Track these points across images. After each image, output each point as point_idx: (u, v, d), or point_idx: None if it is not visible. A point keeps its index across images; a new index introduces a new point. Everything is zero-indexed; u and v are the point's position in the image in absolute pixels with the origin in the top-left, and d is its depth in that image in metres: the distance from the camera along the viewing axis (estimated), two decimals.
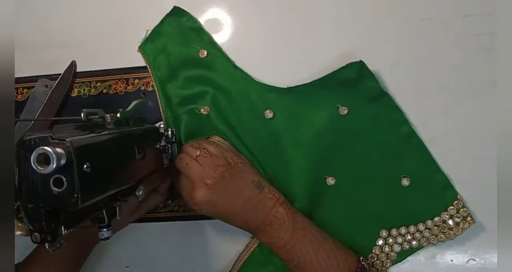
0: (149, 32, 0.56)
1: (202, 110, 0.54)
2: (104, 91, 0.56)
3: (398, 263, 0.52)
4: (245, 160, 0.52)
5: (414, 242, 0.51)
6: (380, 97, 0.52)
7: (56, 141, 0.29)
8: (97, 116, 0.38)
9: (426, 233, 0.50)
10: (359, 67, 0.51)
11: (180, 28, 0.55)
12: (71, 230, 0.33)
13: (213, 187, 0.46)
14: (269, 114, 0.53)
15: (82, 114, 0.35)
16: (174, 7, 0.55)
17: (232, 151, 0.52)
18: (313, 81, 0.52)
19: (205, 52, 0.54)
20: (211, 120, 0.54)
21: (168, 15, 0.55)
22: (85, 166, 0.30)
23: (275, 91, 0.53)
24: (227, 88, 0.54)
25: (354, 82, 0.51)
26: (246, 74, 0.54)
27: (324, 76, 0.52)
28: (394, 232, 0.51)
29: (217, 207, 0.47)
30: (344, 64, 0.51)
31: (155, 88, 0.55)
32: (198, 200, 0.46)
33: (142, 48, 0.56)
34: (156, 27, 0.55)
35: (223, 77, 0.54)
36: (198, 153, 0.48)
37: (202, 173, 0.47)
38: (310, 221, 0.49)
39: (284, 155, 0.53)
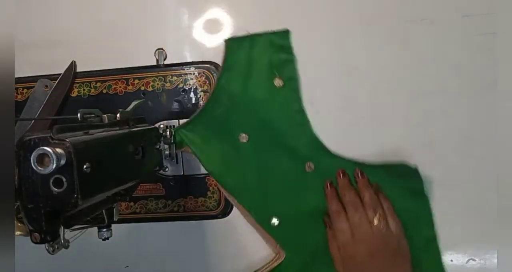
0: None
1: (240, 138, 0.53)
2: (104, 91, 0.56)
3: None
4: (409, 251, 0.47)
5: None
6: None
7: (56, 141, 0.30)
8: (93, 116, 0.38)
9: None
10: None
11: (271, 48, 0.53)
12: (71, 230, 0.33)
13: (375, 257, 0.45)
14: (308, 168, 0.52)
15: (78, 114, 0.35)
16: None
17: None
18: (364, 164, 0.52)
19: (282, 83, 0.52)
20: (247, 150, 0.52)
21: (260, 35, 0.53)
22: (85, 166, 0.30)
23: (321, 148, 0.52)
24: (276, 126, 0.52)
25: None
26: (305, 119, 0.52)
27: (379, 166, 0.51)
28: None
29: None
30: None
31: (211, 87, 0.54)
32: (354, 254, 0.46)
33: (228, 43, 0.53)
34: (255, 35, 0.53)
35: (280, 113, 0.52)
36: (376, 220, 0.46)
37: (370, 239, 0.45)
38: None
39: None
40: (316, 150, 0.52)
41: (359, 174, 0.51)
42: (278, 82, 0.52)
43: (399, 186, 0.51)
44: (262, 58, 0.53)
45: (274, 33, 0.52)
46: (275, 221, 0.51)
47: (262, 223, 0.51)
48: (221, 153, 0.52)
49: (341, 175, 0.51)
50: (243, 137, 0.52)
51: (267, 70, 0.52)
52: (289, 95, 0.52)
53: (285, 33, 0.52)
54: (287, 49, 0.53)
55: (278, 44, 0.53)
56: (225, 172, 0.52)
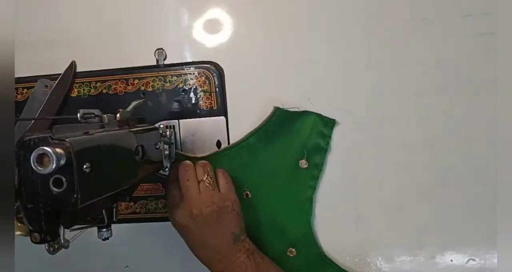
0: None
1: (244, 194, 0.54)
2: (104, 91, 0.56)
3: (397, 263, 0.52)
4: (240, 212, 0.51)
5: None
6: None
7: (56, 141, 0.29)
8: (93, 116, 0.38)
9: None
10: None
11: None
12: (71, 230, 0.33)
13: (194, 218, 0.47)
14: (289, 252, 0.54)
15: (78, 114, 0.35)
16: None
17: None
18: None
19: (306, 165, 0.53)
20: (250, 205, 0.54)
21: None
22: (84, 166, 0.30)
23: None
24: (280, 201, 0.54)
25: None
26: (310, 210, 0.53)
27: None
28: None
29: (189, 235, 0.48)
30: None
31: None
32: (175, 219, 0.48)
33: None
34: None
35: (292, 191, 0.53)
36: (204, 178, 0.48)
37: (193, 200, 0.47)
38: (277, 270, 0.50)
39: None
40: (303, 242, 0.53)
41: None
42: (303, 164, 0.53)
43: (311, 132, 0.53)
44: (299, 135, 0.53)
45: (321, 118, 0.53)
46: None
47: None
48: None
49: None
50: (248, 193, 0.54)
51: (299, 148, 0.53)
52: (307, 180, 0.53)
53: (331, 123, 0.53)
54: (326, 138, 0.53)
55: (319, 130, 0.53)
56: None
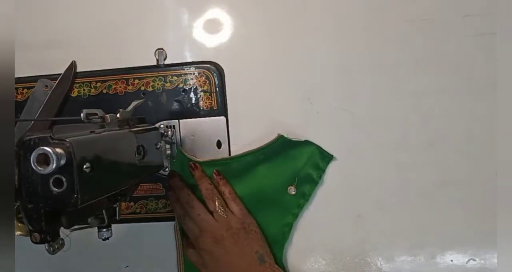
0: None
1: None
2: (104, 91, 0.56)
3: (397, 263, 0.52)
4: (259, 230, 0.52)
5: None
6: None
7: (56, 141, 0.29)
8: (96, 116, 0.38)
9: None
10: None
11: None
12: (71, 230, 0.33)
13: (218, 242, 0.48)
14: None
15: (82, 114, 0.35)
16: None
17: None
18: None
19: (294, 193, 0.53)
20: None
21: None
22: (85, 166, 0.30)
23: None
24: (260, 220, 0.53)
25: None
26: (286, 236, 0.54)
27: None
28: None
29: (218, 262, 0.48)
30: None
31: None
32: (203, 247, 0.48)
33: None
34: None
35: (273, 213, 0.53)
36: (217, 209, 0.49)
37: (213, 228, 0.48)
38: None
39: None
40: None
41: (215, 172, 0.53)
42: (291, 190, 0.53)
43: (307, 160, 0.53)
44: (295, 162, 0.53)
45: (320, 150, 0.53)
46: None
47: None
48: None
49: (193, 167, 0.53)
50: None
51: (292, 174, 0.53)
52: (292, 207, 0.53)
53: (329, 158, 0.53)
54: (320, 171, 0.53)
55: (316, 161, 0.53)
56: None
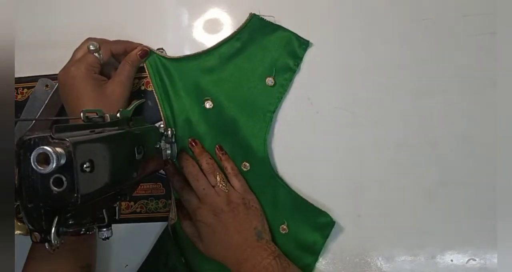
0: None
1: (206, 103, 0.53)
2: None
3: (398, 263, 0.52)
4: (259, 207, 0.52)
5: None
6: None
7: (56, 140, 0.29)
8: (96, 116, 0.38)
9: None
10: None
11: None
12: (70, 230, 0.33)
13: (218, 215, 0.48)
14: (243, 166, 0.53)
15: (81, 114, 0.36)
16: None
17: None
18: None
19: (272, 83, 0.52)
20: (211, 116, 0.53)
21: None
22: (85, 165, 0.30)
23: None
24: (241, 113, 0.53)
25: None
26: (268, 124, 0.53)
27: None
28: None
29: (215, 235, 0.48)
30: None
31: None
32: (201, 219, 0.49)
33: None
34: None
35: (254, 104, 0.53)
36: (218, 184, 0.50)
37: (214, 201, 0.49)
38: None
39: None
40: (256, 158, 0.53)
41: (217, 147, 0.53)
42: (269, 81, 0.52)
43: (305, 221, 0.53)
44: (271, 52, 0.53)
45: (297, 37, 0.52)
46: None
47: None
48: (186, 113, 0.53)
49: (192, 143, 0.52)
50: (209, 103, 0.53)
51: (269, 65, 0.53)
52: (271, 97, 0.53)
53: (305, 44, 0.53)
54: (297, 60, 0.53)
55: (293, 49, 0.53)
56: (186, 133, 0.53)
